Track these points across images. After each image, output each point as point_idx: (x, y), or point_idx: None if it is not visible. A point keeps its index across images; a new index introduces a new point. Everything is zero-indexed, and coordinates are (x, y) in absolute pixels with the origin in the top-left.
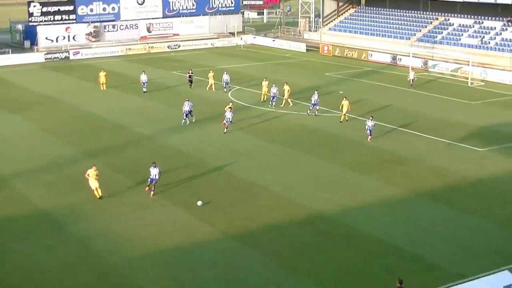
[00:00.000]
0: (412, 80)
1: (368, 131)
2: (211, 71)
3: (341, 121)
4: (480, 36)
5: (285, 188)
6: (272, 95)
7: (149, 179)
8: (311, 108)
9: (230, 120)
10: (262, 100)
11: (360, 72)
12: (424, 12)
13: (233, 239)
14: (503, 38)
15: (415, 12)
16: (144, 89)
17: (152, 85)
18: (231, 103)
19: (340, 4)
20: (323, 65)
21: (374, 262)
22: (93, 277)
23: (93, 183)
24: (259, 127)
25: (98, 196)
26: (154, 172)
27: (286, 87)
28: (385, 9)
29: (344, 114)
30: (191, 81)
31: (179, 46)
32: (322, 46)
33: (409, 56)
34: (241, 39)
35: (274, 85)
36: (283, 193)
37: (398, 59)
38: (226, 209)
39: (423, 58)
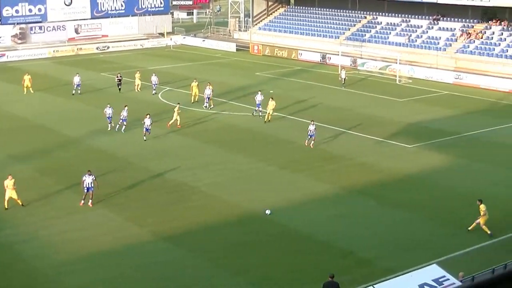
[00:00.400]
0: (344, 79)
1: (310, 136)
2: (137, 72)
3: (265, 122)
4: (407, 35)
5: (216, 188)
6: (205, 96)
7: (84, 189)
8: (256, 109)
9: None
10: (192, 101)
11: (290, 71)
12: (353, 11)
13: (164, 240)
14: (429, 36)
15: (344, 11)
16: (76, 91)
17: (81, 87)
18: (178, 105)
19: (270, 3)
20: (253, 65)
21: (304, 259)
22: (20, 283)
23: (10, 194)
24: (190, 128)
25: (20, 204)
26: (88, 180)
27: (209, 87)
28: (314, 9)
29: (269, 113)
30: (120, 85)
31: (108, 48)
32: (252, 46)
33: (338, 54)
34: (171, 39)
35: (208, 85)
36: (214, 192)
37: (328, 58)
38: (157, 210)
39: (352, 57)
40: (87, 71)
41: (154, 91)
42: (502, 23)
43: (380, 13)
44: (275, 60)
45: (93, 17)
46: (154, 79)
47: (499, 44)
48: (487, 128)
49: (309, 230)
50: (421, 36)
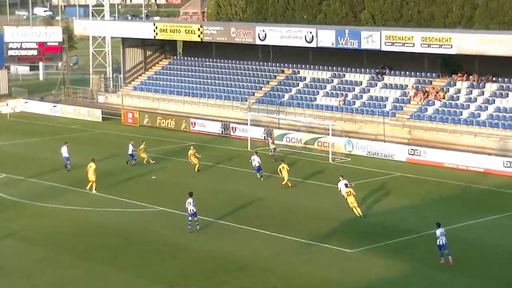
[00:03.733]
0: (273, 149)
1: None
2: None
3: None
4: (341, 94)
5: None
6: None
7: None
8: (260, 173)
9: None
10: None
11: (179, 148)
12: (265, 63)
13: None
14: (371, 97)
15: (253, 63)
16: None
17: None
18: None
19: (149, 53)
20: (126, 140)
21: None
22: None
23: None
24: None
25: None
26: None
27: None
28: (211, 60)
29: None
30: None
31: None
32: (124, 113)
33: (246, 124)
34: (7, 105)
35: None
36: None
37: (232, 128)
38: None
39: (267, 127)
40: None
41: None
42: (470, 77)
43: (303, 65)
44: (158, 132)
45: None
46: None
47: (468, 106)
48: (455, 224)
49: None
50: (361, 96)
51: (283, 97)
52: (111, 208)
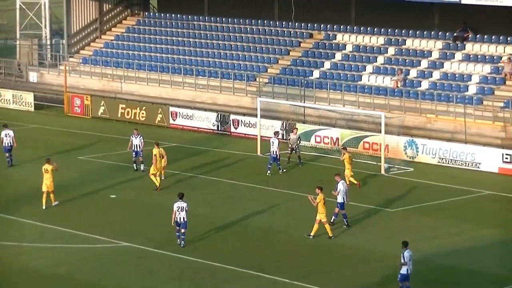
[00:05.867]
0: (293, 149)
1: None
2: None
3: None
4: (400, 71)
5: None
6: None
7: None
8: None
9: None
10: None
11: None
12: (284, 24)
13: None
14: (445, 74)
15: (266, 24)
16: None
17: None
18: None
19: (107, 6)
20: (68, 141)
21: None
22: None
23: None
24: None
25: None
26: None
27: None
28: (201, 19)
29: None
30: None
31: None
32: (69, 99)
33: (255, 115)
34: None
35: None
36: None
37: (234, 122)
38: None
39: (286, 120)
40: None
41: None
42: None
43: (342, 27)
44: (119, 128)
45: None
46: None
47: None
48: None
49: None
50: (430, 74)
51: (311, 75)
52: (47, 243)
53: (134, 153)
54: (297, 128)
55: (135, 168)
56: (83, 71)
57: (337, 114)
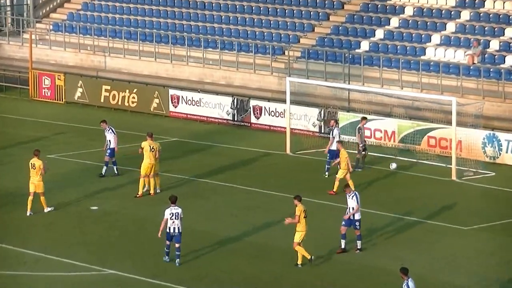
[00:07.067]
0: (362, 154)
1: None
2: None
3: None
4: (477, 42)
5: None
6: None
7: None
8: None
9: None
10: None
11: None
12: None
13: None
14: None
15: None
16: None
17: None
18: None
19: None
20: (34, 134)
21: None
22: None
23: None
24: None
25: None
26: None
27: None
28: None
29: None
30: None
31: None
32: (36, 78)
33: (283, 101)
34: None
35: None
36: None
37: (255, 109)
38: None
39: (324, 107)
40: None
41: None
42: None
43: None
44: (102, 115)
45: None
46: None
47: None
48: None
49: None
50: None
51: (358, 47)
52: (4, 269)
53: (108, 152)
54: (336, 120)
55: (116, 171)
56: (54, 41)
57: (392, 100)
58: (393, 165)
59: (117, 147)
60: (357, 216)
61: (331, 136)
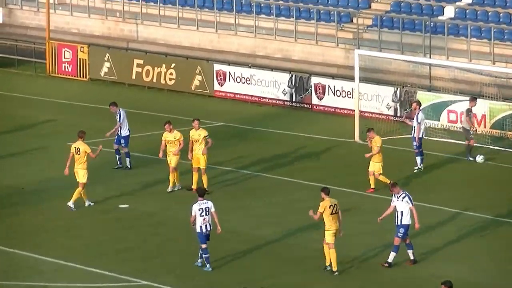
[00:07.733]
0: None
1: None
2: None
3: None
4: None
5: None
6: None
7: None
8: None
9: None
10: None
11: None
12: None
13: None
14: None
15: None
16: None
17: None
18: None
19: None
20: (52, 117)
21: None
22: None
23: None
24: None
25: None
26: None
27: None
28: None
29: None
30: None
31: None
32: (55, 50)
33: (351, 78)
34: None
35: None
36: None
37: (316, 87)
38: None
39: (401, 85)
40: None
41: None
42: None
43: None
44: (136, 99)
45: None
46: None
47: None
48: None
49: None
50: None
51: (441, 14)
52: (19, 280)
53: (116, 140)
54: (418, 102)
55: (118, 163)
56: (76, 5)
57: (483, 77)
58: (480, 157)
59: (109, 134)
60: (405, 221)
61: (415, 122)
